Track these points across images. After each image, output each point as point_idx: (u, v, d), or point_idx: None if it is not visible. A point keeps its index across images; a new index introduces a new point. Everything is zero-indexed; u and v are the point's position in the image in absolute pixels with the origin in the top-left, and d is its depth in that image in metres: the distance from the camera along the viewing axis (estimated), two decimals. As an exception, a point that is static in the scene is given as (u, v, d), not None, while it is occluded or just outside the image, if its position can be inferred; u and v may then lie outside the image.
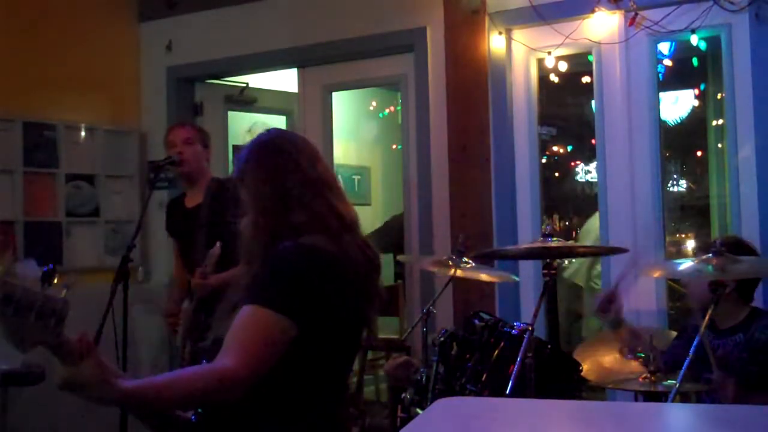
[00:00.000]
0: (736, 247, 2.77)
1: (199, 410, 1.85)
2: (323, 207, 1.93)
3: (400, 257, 4.11)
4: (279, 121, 5.45)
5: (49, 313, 1.41)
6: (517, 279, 3.68)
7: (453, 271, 3.10)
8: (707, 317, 2.48)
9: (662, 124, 4.01)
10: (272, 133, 2.06)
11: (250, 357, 1.69)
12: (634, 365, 2.94)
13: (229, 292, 2.02)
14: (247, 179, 1.97)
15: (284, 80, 5.30)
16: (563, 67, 4.04)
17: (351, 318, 1.93)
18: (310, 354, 1.81)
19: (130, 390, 1.57)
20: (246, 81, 5.27)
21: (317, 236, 1.88)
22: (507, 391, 2.43)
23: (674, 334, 3.28)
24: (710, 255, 2.54)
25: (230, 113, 5.31)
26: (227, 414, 1.83)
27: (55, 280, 1.45)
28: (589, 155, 5.42)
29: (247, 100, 5.31)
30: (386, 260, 4.81)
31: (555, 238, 2.77)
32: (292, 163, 1.95)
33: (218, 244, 3.24)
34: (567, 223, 5.69)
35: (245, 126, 5.49)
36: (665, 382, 2.60)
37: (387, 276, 4.83)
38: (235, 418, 1.82)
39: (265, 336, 1.73)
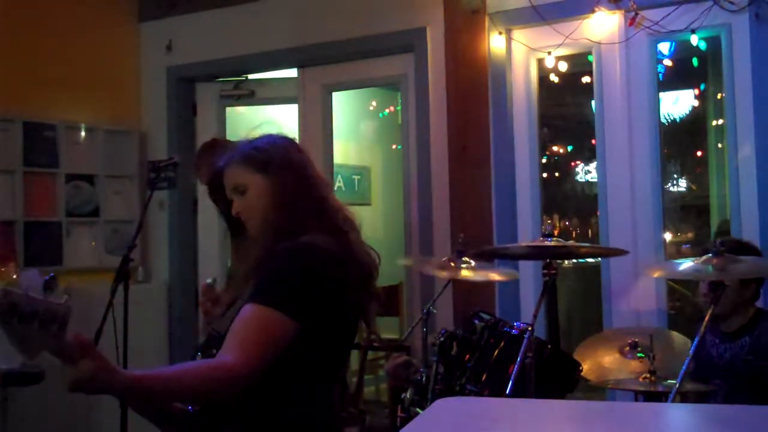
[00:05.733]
0: (737, 248, 2.78)
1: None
2: (331, 207, 1.99)
3: (401, 261, 4.10)
4: (286, 111, 5.34)
5: (51, 320, 1.45)
6: (517, 275, 3.64)
7: (455, 273, 3.10)
8: (707, 318, 2.48)
9: (662, 124, 4.02)
10: (287, 137, 2.10)
11: (250, 355, 1.72)
12: (634, 365, 2.95)
13: (232, 284, 2.04)
14: (274, 174, 1.97)
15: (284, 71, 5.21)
16: (563, 67, 4.04)
17: (351, 317, 1.97)
18: (309, 351, 1.84)
19: (135, 378, 1.60)
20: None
21: (321, 235, 1.91)
22: (507, 391, 2.43)
23: (674, 334, 3.28)
24: (710, 255, 2.54)
25: (230, 109, 5.25)
26: (223, 407, 1.84)
27: (57, 287, 1.49)
28: (589, 155, 5.42)
29: (245, 94, 5.21)
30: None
31: (555, 238, 2.77)
32: (308, 166, 2.03)
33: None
34: (567, 223, 5.69)
35: (246, 121, 5.43)
36: (665, 382, 2.60)
37: (395, 275, 4.80)
38: (231, 411, 1.84)
39: (266, 336, 1.76)
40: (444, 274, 3.20)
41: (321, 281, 1.85)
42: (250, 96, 5.11)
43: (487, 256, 3.48)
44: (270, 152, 2.00)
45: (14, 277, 3.99)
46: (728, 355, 2.82)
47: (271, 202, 1.96)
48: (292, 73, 4.93)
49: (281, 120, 5.50)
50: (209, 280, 3.02)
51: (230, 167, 2.02)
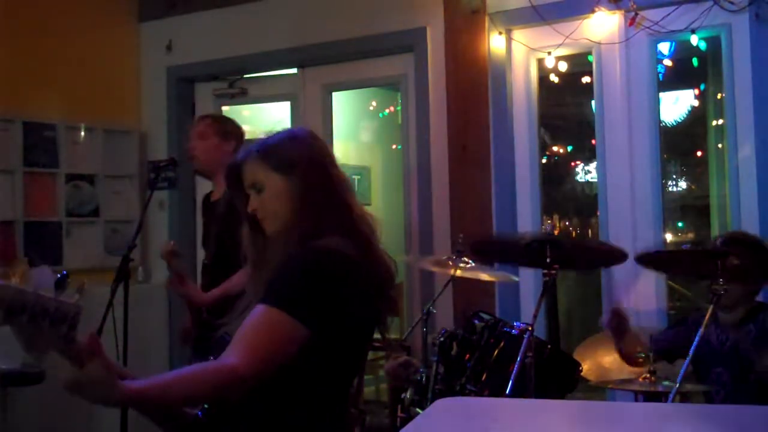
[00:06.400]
0: (740, 242, 2.79)
1: (206, 406, 1.84)
2: (352, 210, 1.92)
3: (402, 258, 4.10)
4: (282, 108, 5.32)
5: (61, 319, 1.42)
6: (516, 279, 3.68)
7: (453, 270, 3.10)
8: (707, 315, 2.48)
9: (662, 124, 4.02)
10: (309, 132, 2.00)
11: (255, 357, 1.68)
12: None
13: (246, 287, 1.99)
14: (294, 174, 1.89)
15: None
16: (563, 67, 4.04)
17: (366, 323, 1.91)
18: (321, 357, 1.80)
19: (135, 392, 1.56)
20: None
21: (340, 239, 1.85)
22: (507, 391, 2.43)
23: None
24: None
25: (228, 108, 5.22)
26: (234, 411, 1.82)
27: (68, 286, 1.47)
28: (589, 155, 5.42)
29: (238, 92, 5.18)
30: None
31: (555, 238, 2.77)
32: (330, 164, 1.95)
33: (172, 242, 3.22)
34: (567, 223, 5.68)
35: (244, 121, 5.37)
36: (665, 382, 2.60)
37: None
38: (241, 416, 1.82)
39: (274, 338, 1.72)
40: (444, 271, 3.20)
41: (335, 286, 1.79)
42: (244, 94, 5.08)
43: (486, 254, 3.47)
44: (290, 151, 1.92)
45: (25, 274, 3.96)
46: (730, 343, 2.83)
47: (290, 203, 1.88)
48: (285, 70, 4.92)
49: (277, 118, 5.48)
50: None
51: (248, 162, 1.94)
